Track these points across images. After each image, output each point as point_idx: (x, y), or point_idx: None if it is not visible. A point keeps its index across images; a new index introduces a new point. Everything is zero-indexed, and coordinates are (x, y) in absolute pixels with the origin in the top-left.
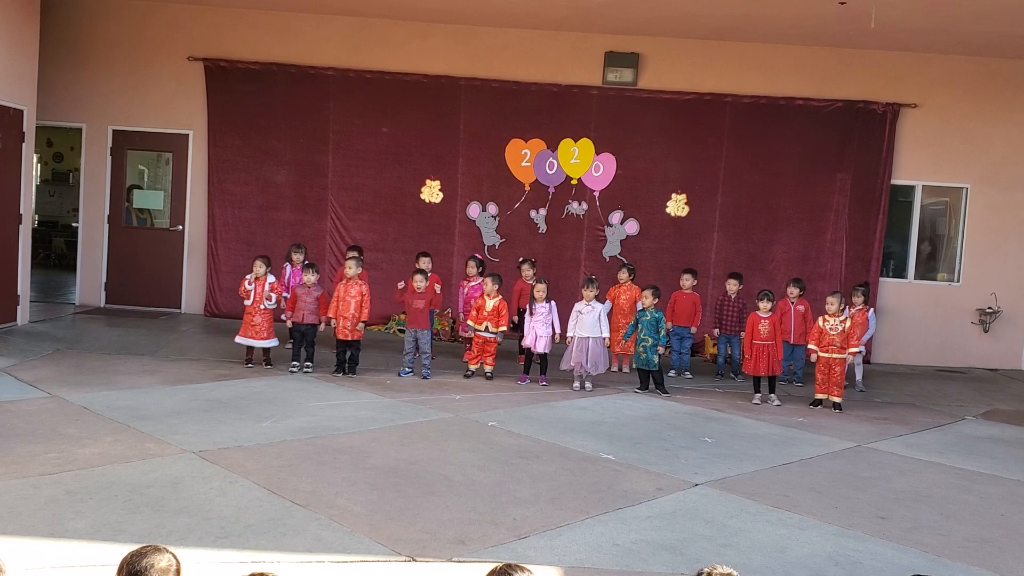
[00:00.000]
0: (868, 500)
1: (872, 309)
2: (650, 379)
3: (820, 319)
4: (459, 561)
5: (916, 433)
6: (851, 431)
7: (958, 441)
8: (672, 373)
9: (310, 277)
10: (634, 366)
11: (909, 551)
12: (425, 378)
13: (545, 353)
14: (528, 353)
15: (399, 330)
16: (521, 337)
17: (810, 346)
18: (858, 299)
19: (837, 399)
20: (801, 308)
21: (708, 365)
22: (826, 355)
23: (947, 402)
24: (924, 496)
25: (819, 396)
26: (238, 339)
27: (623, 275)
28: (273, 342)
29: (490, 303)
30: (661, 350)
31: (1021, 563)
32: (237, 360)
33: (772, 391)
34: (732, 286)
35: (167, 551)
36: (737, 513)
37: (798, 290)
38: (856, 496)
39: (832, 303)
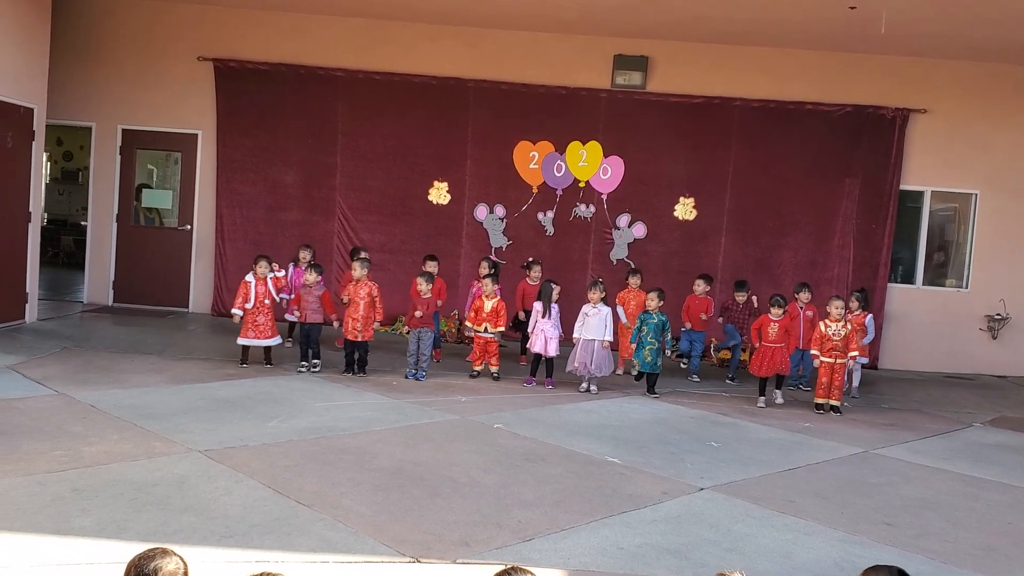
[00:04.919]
0: (874, 506)
1: (870, 315)
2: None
3: (822, 324)
4: (463, 563)
5: (923, 439)
6: (858, 437)
7: (965, 448)
8: None
9: (311, 277)
10: (638, 369)
11: (915, 558)
12: (419, 379)
13: (553, 356)
14: (536, 356)
15: (406, 331)
16: (523, 338)
17: (813, 351)
18: (854, 304)
19: (836, 402)
20: (810, 314)
21: (715, 369)
22: (829, 360)
23: (955, 408)
24: (931, 503)
25: (819, 400)
26: (240, 340)
27: (634, 280)
28: (276, 340)
29: (488, 304)
30: (668, 352)
31: None
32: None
33: (779, 387)
34: (741, 298)
35: (174, 554)
36: (742, 518)
37: (809, 295)
38: (862, 502)
39: (834, 307)
